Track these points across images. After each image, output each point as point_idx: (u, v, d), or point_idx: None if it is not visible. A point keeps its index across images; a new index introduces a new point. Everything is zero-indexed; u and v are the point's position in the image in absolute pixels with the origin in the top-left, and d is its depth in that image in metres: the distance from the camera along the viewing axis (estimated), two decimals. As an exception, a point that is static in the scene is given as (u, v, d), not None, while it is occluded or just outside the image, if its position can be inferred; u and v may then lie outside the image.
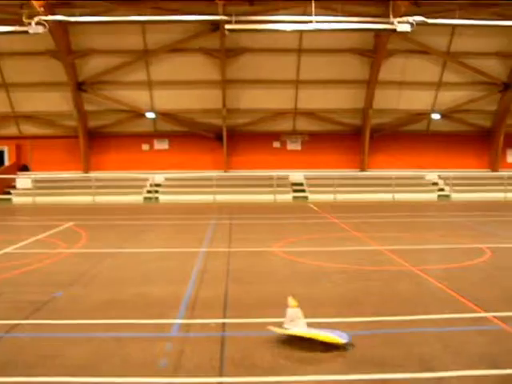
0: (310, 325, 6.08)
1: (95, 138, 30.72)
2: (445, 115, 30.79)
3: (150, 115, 29.90)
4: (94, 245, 13.30)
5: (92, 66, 27.92)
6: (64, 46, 26.26)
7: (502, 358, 5.46)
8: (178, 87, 28.79)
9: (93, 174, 29.73)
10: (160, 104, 29.70)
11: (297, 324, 5.99)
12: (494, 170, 31.93)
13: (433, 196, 29.55)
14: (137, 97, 29.34)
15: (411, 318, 6.62)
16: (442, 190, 30.45)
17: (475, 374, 5.05)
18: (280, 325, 6.21)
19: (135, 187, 29.35)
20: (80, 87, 28.37)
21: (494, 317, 6.85)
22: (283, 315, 6.61)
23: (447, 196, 29.77)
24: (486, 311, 7.11)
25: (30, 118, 30.12)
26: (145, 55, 27.59)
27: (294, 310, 6.06)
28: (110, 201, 27.30)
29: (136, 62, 27.84)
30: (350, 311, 7.14)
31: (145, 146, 31.52)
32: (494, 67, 29.09)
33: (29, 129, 30.65)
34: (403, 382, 4.90)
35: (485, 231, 15.64)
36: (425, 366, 5.26)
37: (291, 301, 6.12)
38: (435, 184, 30.86)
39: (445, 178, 30.95)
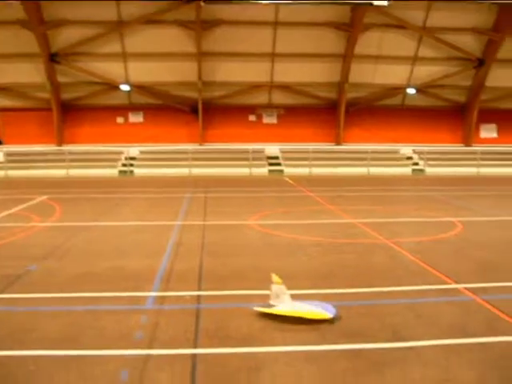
0: (295, 297, 6.15)
1: (69, 111, 30.26)
2: (420, 90, 30.92)
3: (125, 88, 29.52)
4: (69, 218, 13.20)
5: (65, 37, 27.32)
6: (35, 16, 25.66)
7: (471, 327, 5.58)
8: (153, 59, 28.41)
9: (66, 147, 29.36)
10: (135, 76, 29.31)
11: (282, 300, 6.04)
12: (468, 144, 32.25)
13: (407, 170, 29.81)
14: (111, 69, 28.89)
15: (385, 289, 6.72)
16: (416, 164, 30.71)
17: (445, 343, 5.15)
18: (255, 297, 6.26)
19: (110, 160, 29.08)
20: (53, 58, 27.79)
21: (465, 288, 6.98)
22: (258, 287, 6.67)
23: (421, 170, 30.04)
24: (457, 283, 7.24)
25: (1, 90, 29.52)
26: (119, 27, 27.10)
27: (278, 287, 6.10)
28: (84, 174, 27.05)
29: (110, 34, 27.32)
30: (324, 283, 7.22)
31: (119, 119, 31.15)
32: (470, 43, 29.19)
33: (0, 101, 30.09)
34: (376, 352, 4.98)
35: (457, 205, 15.84)
36: (397, 336, 5.36)
37: (275, 278, 6.16)
38: (410, 158, 31.10)
39: (419, 153, 31.20)
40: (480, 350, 5.01)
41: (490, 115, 32.27)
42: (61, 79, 29.09)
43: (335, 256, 9.06)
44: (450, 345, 5.13)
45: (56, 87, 29.05)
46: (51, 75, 28.28)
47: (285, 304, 5.99)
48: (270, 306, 6.03)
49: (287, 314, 5.74)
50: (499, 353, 4.92)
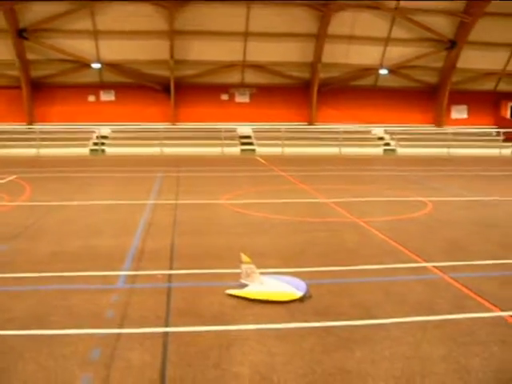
0: (265, 274, 6.19)
1: (39, 89, 29.74)
2: (392, 71, 31.05)
3: (96, 66, 29.10)
4: (39, 198, 13.05)
5: (34, 13, 26.65)
6: (2, -10, 25.09)
7: (439, 305, 5.68)
8: (125, 37, 27.99)
9: (37, 126, 28.90)
10: (106, 54, 28.88)
11: (253, 278, 6.06)
12: (439, 125, 32.58)
13: (379, 150, 30.03)
14: (82, 47, 28.40)
15: (355, 268, 6.79)
16: (387, 144, 30.94)
17: (414, 320, 5.24)
18: (227, 276, 6.29)
19: (81, 139, 28.73)
20: (21, 34, 27.18)
21: (434, 266, 7.09)
22: (230, 266, 6.69)
23: (393, 150, 30.28)
24: (426, 261, 7.35)
25: (-33, 66, 28.90)
26: (90, 3, 26.57)
27: (247, 266, 6.12)
28: (54, 153, 26.68)
29: (81, 10, 26.78)
30: (295, 261, 7.26)
31: (91, 98, 30.77)
32: (442, 25, 29.35)
33: (-33, 78, 29.46)
34: (345, 329, 5.04)
35: (427, 185, 16.03)
36: (367, 314, 5.43)
37: (244, 257, 6.17)
38: (381, 139, 31.33)
39: (391, 133, 31.43)
40: (447, 326, 5.11)
41: (460, 96, 32.62)
42: (30, 56, 28.52)
43: (306, 235, 9.11)
44: (419, 322, 5.21)
45: (25, 65, 28.49)
46: (20, 52, 27.71)
47: (255, 283, 6.02)
48: (242, 285, 6.05)
49: (257, 296, 5.76)
50: (466, 329, 5.02)
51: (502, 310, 5.50)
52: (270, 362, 4.34)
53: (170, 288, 6.21)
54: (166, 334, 4.91)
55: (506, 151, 31.18)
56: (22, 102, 29.13)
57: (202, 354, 4.47)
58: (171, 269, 6.99)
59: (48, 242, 8.49)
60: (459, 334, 4.93)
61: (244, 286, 6.05)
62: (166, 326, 5.10)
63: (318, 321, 5.22)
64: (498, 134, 32.23)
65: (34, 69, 29.14)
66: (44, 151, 27.03)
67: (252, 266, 6.11)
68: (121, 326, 5.06)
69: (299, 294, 5.79)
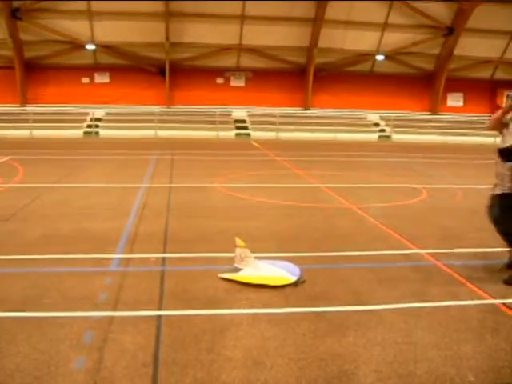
0: (259, 258, 6.20)
1: (33, 70, 29.52)
2: (389, 57, 30.98)
3: (91, 47, 28.89)
4: (32, 179, 13.00)
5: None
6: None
7: (432, 292, 5.69)
8: (120, 18, 27.78)
9: (30, 107, 28.75)
10: (101, 36, 28.67)
11: (247, 262, 6.06)
12: (434, 112, 32.58)
13: (374, 136, 30.04)
14: (76, 27, 28.17)
15: (348, 253, 6.79)
16: (383, 130, 30.94)
17: (406, 307, 5.25)
18: (221, 259, 6.29)
19: (75, 121, 28.61)
20: (14, 14, 26.90)
21: (428, 253, 7.11)
22: (223, 250, 6.69)
23: (388, 137, 30.30)
24: (420, 248, 7.36)
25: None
26: (85, -17, 26.37)
27: (242, 250, 6.11)
28: (48, 135, 26.56)
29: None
30: (289, 246, 7.26)
31: (85, 79, 30.59)
32: (440, 11, 29.26)
33: (-41, 58, 29.18)
34: (337, 314, 5.06)
35: (422, 172, 16.04)
36: (359, 300, 5.44)
37: (238, 241, 6.16)
38: (376, 125, 31.31)
39: (386, 119, 31.41)
40: (440, 313, 5.12)
41: (456, 84, 32.61)
42: (24, 37, 28.27)
43: (300, 220, 9.11)
44: (411, 308, 5.23)
45: (19, 45, 28.25)
46: (13, 32, 27.46)
47: (249, 267, 6.02)
48: (236, 269, 6.05)
49: (250, 280, 5.76)
50: (458, 317, 5.04)
51: (494, 298, 5.52)
52: (262, 346, 4.35)
53: (163, 271, 6.20)
54: (159, 317, 4.91)
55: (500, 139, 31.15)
56: (14, 82, 28.91)
57: (196, 337, 4.47)
58: (165, 252, 6.98)
59: (41, 224, 8.47)
60: (451, 320, 4.95)
61: (238, 270, 6.05)
62: (160, 309, 5.10)
63: (311, 306, 5.23)
64: (493, 121, 32.16)
65: (27, 49, 28.91)
66: (37, 133, 26.89)
67: (246, 250, 6.11)
68: (114, 309, 5.05)
69: (293, 278, 5.80)
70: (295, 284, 5.74)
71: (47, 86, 29.83)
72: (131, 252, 6.94)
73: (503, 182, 5.93)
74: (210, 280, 5.87)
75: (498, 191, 6.04)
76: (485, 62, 32.09)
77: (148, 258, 6.68)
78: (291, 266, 6.10)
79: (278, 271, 5.96)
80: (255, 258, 6.16)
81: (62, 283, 5.72)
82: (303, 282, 5.81)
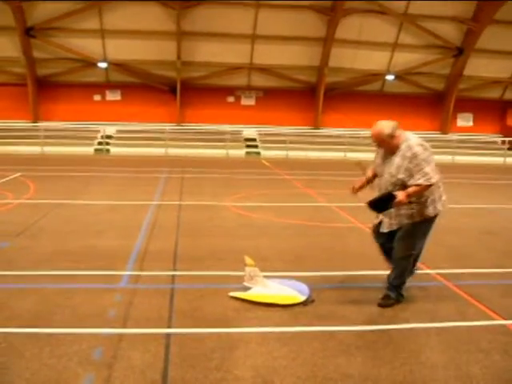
0: (268, 277, 6.22)
1: (45, 87, 29.81)
2: (399, 77, 31.06)
3: (103, 65, 29.17)
4: (43, 196, 13.07)
5: (42, 11, 26.71)
6: (11, -12, 25.15)
7: (442, 312, 5.68)
8: (132, 37, 28.04)
9: (42, 124, 28.99)
10: (113, 54, 28.95)
11: (256, 281, 6.06)
12: (444, 132, 32.55)
13: (383, 156, 29.97)
14: (89, 46, 28.47)
15: (358, 273, 6.78)
16: (392, 150, 30.89)
17: (416, 327, 5.24)
18: (230, 278, 6.30)
19: (86, 138, 28.81)
20: (29, 33, 27.26)
21: (438, 274, 7.09)
22: (233, 268, 6.70)
23: (397, 156, 30.22)
24: (430, 268, 7.34)
25: (-26, 63, 28.95)
26: (98, 2, 26.66)
27: (251, 269, 6.12)
28: (59, 152, 26.73)
29: (88, 9, 26.85)
30: (298, 266, 7.27)
31: (96, 97, 30.83)
32: (449, 31, 29.34)
33: (-27, 75, 29.52)
34: (346, 334, 5.05)
35: (432, 192, 15.98)
36: (368, 320, 5.43)
37: (248, 260, 6.17)
38: (386, 144, 31.28)
39: (396, 139, 31.36)
40: (450, 334, 5.10)
41: (466, 104, 32.61)
42: (37, 54, 28.60)
43: (310, 239, 9.11)
44: (421, 328, 5.21)
45: (31, 62, 28.56)
46: (27, 50, 27.78)
47: (259, 285, 6.03)
48: (245, 288, 6.05)
49: (260, 299, 5.76)
50: (468, 337, 5.02)
51: (505, 319, 5.49)
52: (272, 365, 4.35)
53: (173, 289, 6.22)
54: (168, 335, 4.91)
55: (510, 160, 31.12)
56: (27, 99, 29.20)
57: (205, 356, 4.48)
58: (174, 270, 7.00)
59: (51, 240, 8.51)
60: (461, 341, 4.93)
61: (247, 288, 6.05)
62: (169, 327, 5.11)
63: (321, 325, 5.22)
64: (503, 142, 32.18)
65: (40, 67, 29.22)
66: (48, 149, 27.07)
67: (256, 269, 6.12)
68: (123, 326, 5.07)
69: (302, 297, 5.80)
70: (304, 303, 5.73)
71: (59, 103, 30.09)
72: (141, 269, 6.96)
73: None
74: (219, 298, 5.88)
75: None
76: (494, 82, 32.11)
77: (158, 275, 6.69)
78: (300, 284, 6.10)
79: (287, 290, 5.95)
80: (264, 276, 6.16)
81: (72, 299, 5.74)
82: (312, 301, 5.80)
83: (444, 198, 5.82)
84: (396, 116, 31.19)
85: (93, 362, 4.31)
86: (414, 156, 5.45)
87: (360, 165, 5.95)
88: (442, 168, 19.05)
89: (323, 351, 4.65)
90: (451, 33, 29.42)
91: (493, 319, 5.52)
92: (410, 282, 6.67)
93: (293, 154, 28.79)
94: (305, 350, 4.65)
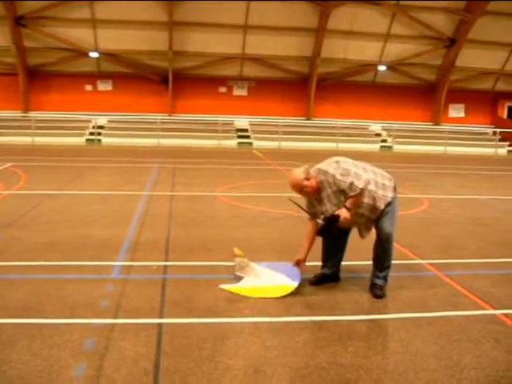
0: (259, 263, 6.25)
1: (36, 77, 29.65)
2: (391, 67, 31.07)
3: (94, 55, 29.00)
4: (34, 186, 13.02)
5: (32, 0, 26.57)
6: (1, -24, 24.94)
7: (433, 302, 5.70)
8: (124, 27, 27.92)
9: (32, 114, 28.83)
10: (104, 44, 28.81)
11: (247, 271, 6.06)
12: (436, 123, 32.63)
13: (375, 146, 30.07)
14: (80, 35, 28.32)
15: (349, 263, 6.77)
16: (384, 141, 30.98)
17: (407, 317, 5.26)
18: (222, 268, 6.31)
19: (77, 128, 28.70)
20: (19, 22, 27.03)
21: (429, 263, 7.11)
22: (225, 259, 6.70)
23: (389, 147, 30.32)
24: (421, 258, 7.37)
25: (-37, 52, 28.68)
26: (89, -8, 26.51)
27: (240, 259, 6.12)
28: (50, 142, 26.61)
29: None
30: (291, 256, 7.23)
31: (88, 87, 30.71)
32: (441, 22, 29.39)
33: (-37, 64, 29.28)
34: (338, 323, 5.06)
35: (424, 182, 16.06)
36: (359, 309, 5.45)
37: (237, 251, 6.16)
38: (378, 135, 31.36)
39: (388, 130, 31.45)
40: (440, 323, 5.13)
41: (458, 95, 32.71)
42: (27, 44, 28.41)
43: (302, 229, 9.09)
44: (412, 318, 5.23)
45: (22, 52, 28.37)
46: (17, 39, 27.59)
47: (250, 275, 6.03)
48: (236, 277, 6.06)
49: (251, 294, 5.74)
50: (458, 327, 5.04)
51: (495, 309, 5.52)
52: (263, 355, 4.35)
53: (164, 279, 6.21)
54: (160, 325, 4.91)
55: (501, 151, 31.31)
56: (17, 89, 29.02)
57: (197, 345, 4.48)
58: (166, 260, 6.99)
59: (42, 231, 8.48)
60: (452, 331, 4.95)
61: (239, 278, 6.05)
62: (161, 317, 5.11)
63: (312, 315, 5.24)
64: (495, 133, 32.30)
65: (30, 56, 29.04)
66: (39, 139, 26.94)
67: (245, 260, 6.12)
68: (115, 317, 5.06)
69: (294, 285, 5.80)
70: (297, 290, 5.75)
71: (50, 93, 29.94)
72: (133, 259, 6.95)
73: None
74: (211, 288, 5.88)
75: None
76: (486, 73, 32.19)
77: (149, 265, 6.69)
78: (291, 267, 6.08)
79: (278, 278, 5.96)
80: (254, 262, 6.18)
81: (63, 290, 5.72)
82: (304, 292, 5.82)
83: (387, 181, 5.80)
84: (388, 107, 31.54)
85: (84, 353, 4.30)
86: (333, 177, 5.58)
87: (292, 201, 5.94)
88: (434, 159, 19.02)
89: (315, 341, 4.67)
90: (443, 24, 29.45)
91: (483, 309, 5.55)
92: (400, 272, 6.70)
93: (285, 144, 28.77)
94: (296, 340, 4.66)
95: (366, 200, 5.66)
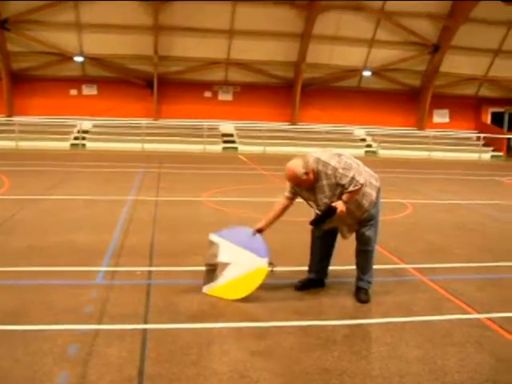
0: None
1: (20, 81, 29.39)
2: (376, 73, 31.21)
3: (79, 59, 28.86)
4: (18, 191, 12.91)
5: (16, 3, 26.22)
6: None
7: (417, 306, 5.73)
8: (109, 31, 27.73)
9: (17, 118, 28.59)
10: (89, 48, 28.63)
11: (219, 254, 6.00)
12: (421, 128, 32.81)
13: (360, 151, 30.13)
14: (65, 39, 28.12)
15: (334, 268, 6.78)
16: (369, 146, 31.10)
17: (392, 321, 5.28)
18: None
19: (62, 133, 28.50)
20: (3, 25, 26.81)
21: (413, 268, 7.15)
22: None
23: (374, 152, 30.45)
24: (405, 263, 7.40)
25: None
26: (74, -5, 26.37)
27: (211, 249, 6.11)
28: (34, 146, 26.37)
29: (64, 3, 26.52)
30: (275, 260, 7.24)
31: (73, 91, 30.51)
32: (425, 28, 29.56)
33: None
34: (323, 328, 5.07)
35: (408, 187, 16.14)
36: (345, 314, 5.47)
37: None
38: (363, 140, 31.48)
39: (373, 135, 31.59)
40: (425, 328, 5.15)
41: (442, 100, 32.89)
42: (11, 48, 28.15)
43: (286, 234, 9.11)
44: (397, 322, 5.25)
45: (6, 56, 28.12)
46: (1, 43, 27.35)
47: (221, 257, 5.97)
48: (211, 273, 5.97)
49: (232, 294, 5.72)
50: (443, 331, 5.07)
51: (479, 313, 5.56)
52: (248, 360, 4.35)
53: (149, 285, 6.19)
54: (144, 330, 4.89)
55: (485, 156, 31.57)
56: (1, 93, 28.74)
57: (181, 351, 4.46)
58: (151, 265, 6.96)
59: (26, 236, 8.41)
60: (436, 335, 4.97)
61: (211, 275, 5.97)
62: (145, 322, 5.08)
63: (297, 320, 5.24)
64: (479, 138, 32.59)
65: (14, 60, 28.79)
66: (23, 144, 26.69)
67: (215, 246, 6.08)
68: (99, 323, 5.03)
69: (263, 261, 5.75)
70: (271, 271, 5.71)
71: (34, 98, 29.68)
72: (117, 265, 6.91)
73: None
74: (195, 294, 5.86)
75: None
76: (470, 79, 32.43)
77: (134, 271, 6.66)
78: (256, 241, 6.04)
79: (247, 260, 5.85)
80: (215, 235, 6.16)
81: (47, 296, 5.68)
82: (273, 267, 5.79)
83: (373, 180, 5.84)
84: (373, 112, 31.61)
85: (68, 359, 4.27)
86: (335, 170, 5.55)
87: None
88: (419, 164, 19.11)
89: (300, 346, 4.67)
90: (427, 30, 29.64)
91: (467, 313, 5.59)
92: (385, 277, 6.73)
93: (270, 149, 28.79)
94: (281, 345, 4.65)
95: (359, 199, 5.69)
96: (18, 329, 4.82)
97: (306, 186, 5.84)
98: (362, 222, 5.83)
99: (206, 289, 5.94)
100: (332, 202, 5.61)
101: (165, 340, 4.68)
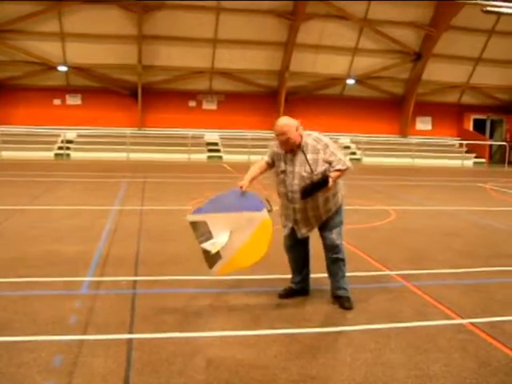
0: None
1: (3, 91, 29.23)
2: (359, 81, 31.41)
3: (63, 69, 28.76)
4: (1, 201, 12.82)
5: (-1, 13, 26.28)
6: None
7: (401, 312, 5.77)
8: (93, 40, 27.67)
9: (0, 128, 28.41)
10: (73, 57, 28.53)
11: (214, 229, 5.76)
12: (404, 136, 33.04)
13: (345, 159, 30.25)
14: (49, 49, 28.01)
15: (318, 275, 6.81)
16: (353, 153, 31.25)
17: (376, 328, 5.31)
18: (191, 282, 6.29)
19: (45, 143, 28.34)
20: (-15, 35, 26.71)
21: (397, 275, 7.20)
22: (194, 273, 6.68)
23: (358, 159, 30.59)
24: (389, 269, 7.45)
25: None
26: (58, 5, 26.20)
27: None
28: (18, 156, 26.22)
29: (48, 12, 26.41)
30: (261, 269, 7.27)
31: (56, 101, 30.35)
32: (408, 37, 29.83)
33: None
34: (308, 336, 5.09)
35: (391, 194, 16.24)
36: (329, 322, 5.50)
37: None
38: (347, 147, 31.62)
39: (357, 142, 31.76)
40: (409, 334, 5.18)
41: (425, 108, 33.16)
42: (-6, 57, 28.02)
43: (275, 240, 9.12)
44: (381, 329, 5.28)
45: (-13, 66, 27.96)
46: (-18, 53, 27.19)
47: (217, 229, 5.72)
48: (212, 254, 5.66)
49: (242, 261, 5.71)
50: (427, 337, 5.10)
51: (463, 318, 5.61)
52: (234, 369, 4.35)
53: (134, 294, 6.18)
54: (130, 340, 4.88)
55: (467, 162, 31.85)
56: (-17, 103, 28.59)
57: (167, 360, 4.46)
58: (136, 275, 6.95)
59: (9, 246, 8.36)
60: (421, 341, 5.01)
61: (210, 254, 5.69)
62: (131, 332, 5.07)
63: (282, 328, 5.25)
64: (461, 145, 32.88)
65: (-3, 70, 28.64)
66: (7, 154, 26.55)
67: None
68: (84, 333, 5.01)
69: (265, 213, 5.78)
70: (270, 211, 5.78)
71: (18, 107, 29.49)
72: (102, 275, 6.89)
73: None
74: (181, 303, 5.86)
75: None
76: (452, 86, 32.74)
77: (119, 280, 6.64)
78: (251, 196, 6.09)
79: (248, 218, 5.77)
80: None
81: (31, 306, 5.65)
82: (270, 207, 5.88)
83: (344, 188, 6.31)
84: (357, 119, 31.77)
85: (53, 370, 4.25)
86: (326, 146, 5.72)
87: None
88: (402, 171, 19.17)
89: (285, 354, 4.68)
90: (409, 38, 29.92)
91: (451, 318, 5.63)
92: (369, 284, 6.77)
93: (254, 157, 28.76)
94: (267, 353, 4.67)
95: (335, 191, 5.77)
96: (2, 340, 4.80)
97: (287, 151, 5.81)
98: (326, 225, 5.84)
99: (214, 271, 5.67)
100: (312, 179, 5.61)
101: (150, 350, 4.68)
